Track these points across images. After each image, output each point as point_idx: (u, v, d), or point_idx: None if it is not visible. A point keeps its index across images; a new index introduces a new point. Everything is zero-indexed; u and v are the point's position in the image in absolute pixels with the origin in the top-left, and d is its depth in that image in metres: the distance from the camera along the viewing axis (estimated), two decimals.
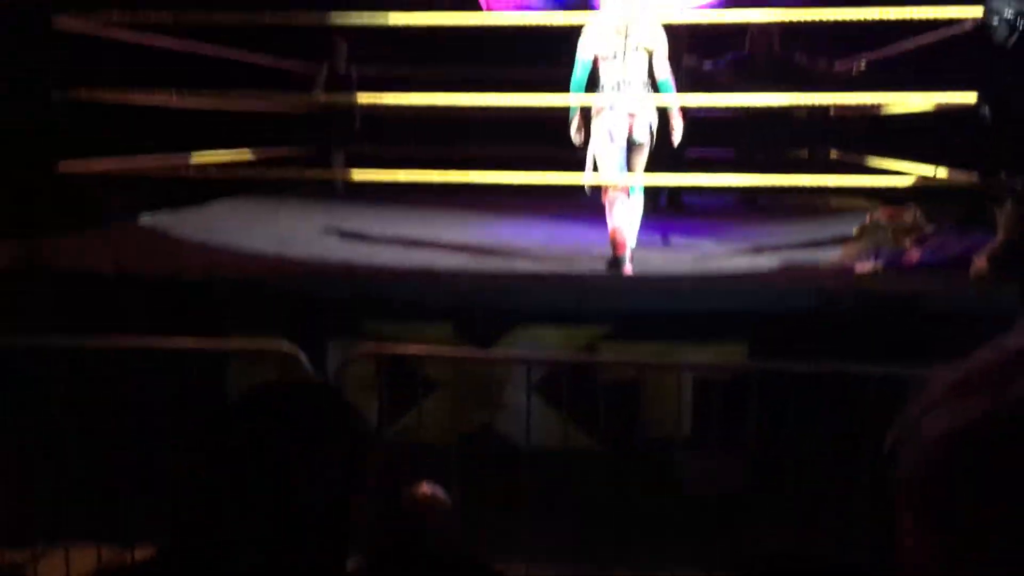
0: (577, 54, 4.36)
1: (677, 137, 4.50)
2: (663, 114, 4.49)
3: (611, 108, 4.34)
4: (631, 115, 4.32)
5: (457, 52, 7.90)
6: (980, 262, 3.98)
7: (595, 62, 4.37)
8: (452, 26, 5.37)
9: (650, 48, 4.33)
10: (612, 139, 4.33)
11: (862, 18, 4.74)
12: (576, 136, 4.44)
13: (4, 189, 4.89)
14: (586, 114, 4.46)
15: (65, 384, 3.30)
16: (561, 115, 4.60)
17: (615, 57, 4.29)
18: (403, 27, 5.22)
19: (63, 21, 5.03)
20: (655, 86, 4.42)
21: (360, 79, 7.90)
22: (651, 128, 4.41)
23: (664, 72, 4.38)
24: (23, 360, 3.22)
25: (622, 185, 4.39)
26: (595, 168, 4.46)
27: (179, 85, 5.93)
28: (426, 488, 2.25)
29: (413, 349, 3.52)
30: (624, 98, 4.34)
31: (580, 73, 4.36)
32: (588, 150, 4.45)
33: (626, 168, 4.42)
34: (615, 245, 4.40)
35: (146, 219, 6.03)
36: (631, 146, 4.38)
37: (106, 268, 4.19)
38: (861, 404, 3.19)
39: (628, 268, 4.37)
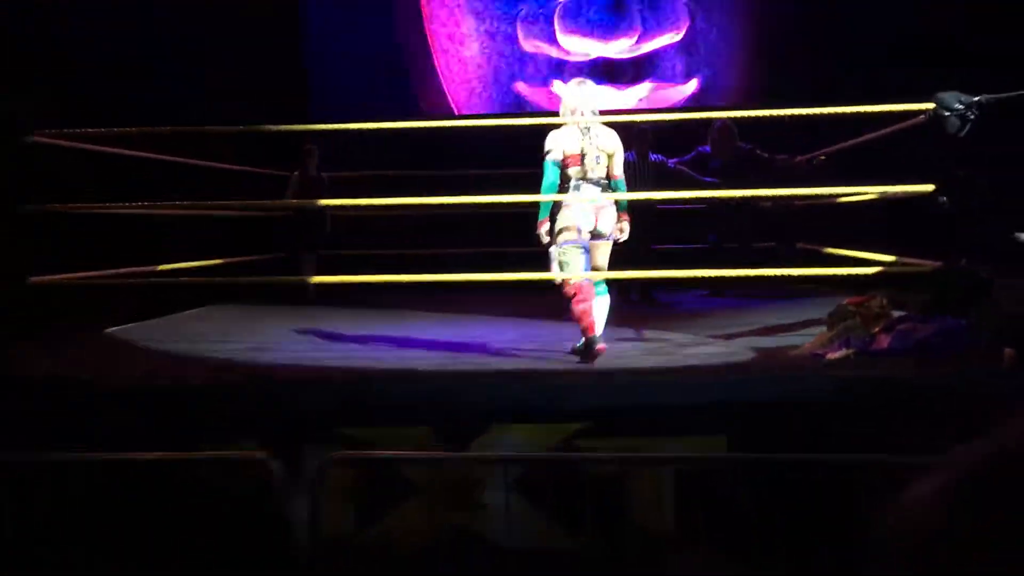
0: (548, 156, 4.56)
1: (624, 235, 4.73)
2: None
3: (579, 205, 4.53)
4: (597, 209, 4.55)
5: (432, 153, 8.10)
6: (1009, 352, 4.01)
7: (562, 163, 4.56)
8: (425, 128, 5.48)
9: (609, 151, 4.62)
10: (578, 234, 4.51)
11: (819, 112, 4.90)
12: (543, 234, 4.60)
13: None
14: (553, 212, 4.63)
15: (32, 497, 3.23)
16: (530, 212, 4.70)
17: (580, 158, 4.54)
18: (374, 131, 5.32)
19: (38, 135, 5.09)
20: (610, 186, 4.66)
21: (332, 183, 8.02)
22: (614, 224, 4.64)
23: (619, 172, 4.67)
24: None
25: (586, 281, 4.55)
26: (560, 266, 4.61)
27: (151, 194, 5.98)
28: None
29: (389, 453, 3.48)
30: (593, 193, 4.51)
31: (552, 175, 4.54)
32: (553, 247, 4.62)
33: (588, 264, 4.60)
34: (585, 328, 4.56)
35: (117, 329, 5.98)
36: (597, 239, 4.60)
37: (76, 378, 4.14)
38: (844, 492, 3.20)
39: (602, 346, 4.53)
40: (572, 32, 8.58)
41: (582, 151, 4.54)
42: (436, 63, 9.15)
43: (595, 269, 4.68)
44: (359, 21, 9.21)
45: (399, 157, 8.39)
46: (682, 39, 8.53)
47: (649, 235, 7.21)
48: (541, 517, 3.52)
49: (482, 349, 5.13)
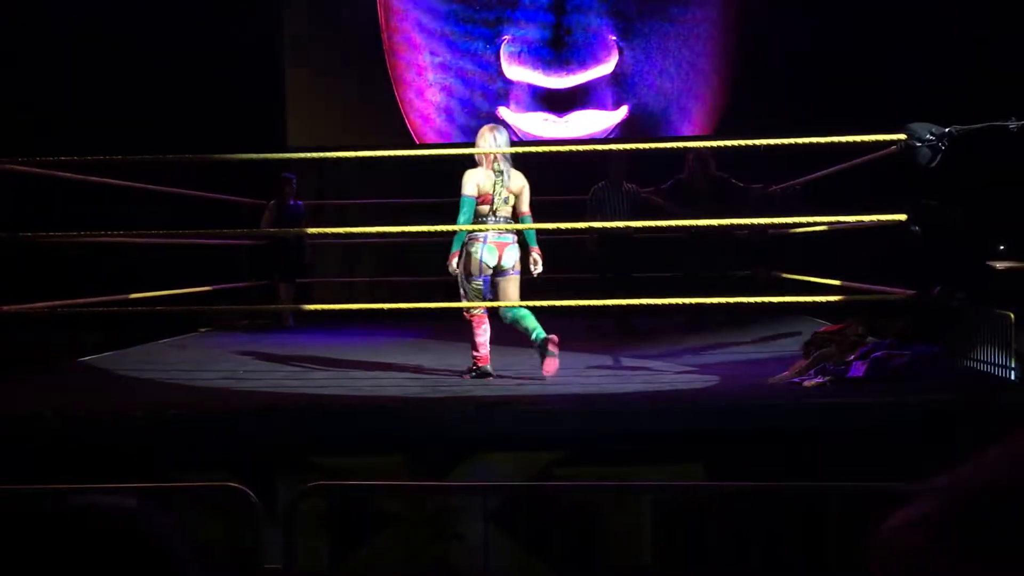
0: (466, 192, 4.92)
1: (539, 267, 5.08)
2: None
3: (484, 240, 4.92)
4: (502, 247, 4.96)
5: (408, 180, 8.16)
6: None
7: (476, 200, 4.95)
8: (387, 157, 5.50)
9: (516, 191, 5.00)
10: (481, 268, 4.94)
11: (792, 142, 4.95)
12: (452, 266, 4.97)
13: None
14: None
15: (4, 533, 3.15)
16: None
17: (491, 198, 4.94)
18: (345, 161, 5.33)
19: (8, 163, 5.04)
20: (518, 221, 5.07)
21: (308, 211, 8.03)
22: (517, 259, 5.02)
23: (526, 209, 5.07)
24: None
25: (484, 313, 5.01)
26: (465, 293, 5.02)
27: (125, 223, 5.94)
28: None
29: (363, 484, 3.44)
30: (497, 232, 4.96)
31: (467, 211, 4.91)
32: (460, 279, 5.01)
33: (489, 293, 5.01)
34: (477, 359, 4.99)
35: (91, 358, 5.91)
36: (501, 275, 5.00)
37: (48, 409, 4.07)
38: (821, 521, 3.19)
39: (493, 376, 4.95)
40: (516, 64, 9.50)
41: (493, 191, 4.92)
42: (397, 93, 9.62)
43: (506, 299, 5.01)
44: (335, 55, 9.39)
45: (377, 185, 8.43)
46: (612, 71, 9.44)
47: (626, 264, 7.26)
48: (518, 547, 3.48)
49: (459, 377, 5.10)
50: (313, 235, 8.04)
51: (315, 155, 5.33)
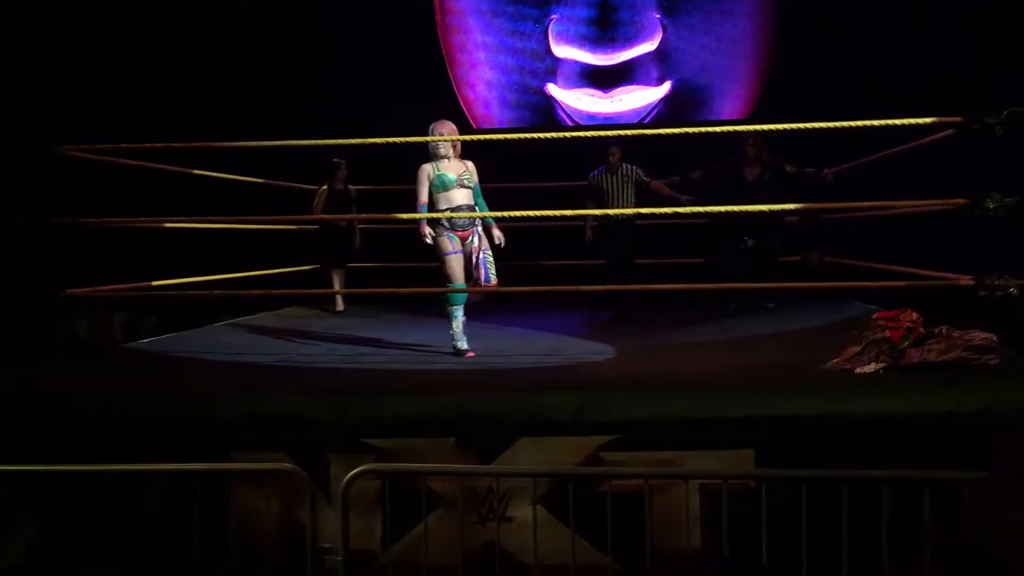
0: (417, 189, 5.39)
1: (502, 241, 5.48)
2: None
3: (449, 226, 5.34)
4: (463, 232, 5.38)
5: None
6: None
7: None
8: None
9: (469, 184, 5.42)
10: (451, 250, 5.35)
11: (849, 125, 4.87)
12: (426, 237, 5.37)
13: (10, 315, 4.94)
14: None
15: (74, 509, 3.27)
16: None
17: (448, 187, 5.39)
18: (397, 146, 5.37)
19: (71, 149, 5.17)
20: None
21: (359, 196, 8.08)
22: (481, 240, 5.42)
23: (479, 196, 5.50)
24: (34, 486, 3.20)
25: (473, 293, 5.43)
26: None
27: (179, 209, 6.05)
28: None
29: (415, 466, 3.49)
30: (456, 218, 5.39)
31: (424, 199, 5.40)
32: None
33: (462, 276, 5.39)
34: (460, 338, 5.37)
35: (146, 342, 6.06)
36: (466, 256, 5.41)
37: (110, 391, 4.19)
38: (874, 510, 3.17)
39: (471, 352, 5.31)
40: (563, 42, 9.81)
41: (445, 184, 5.37)
42: (450, 71, 9.92)
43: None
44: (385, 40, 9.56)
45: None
46: (656, 48, 9.69)
47: (630, 250, 7.19)
48: (566, 532, 3.50)
49: (510, 361, 5.13)
50: (364, 220, 8.09)
51: (366, 141, 5.35)
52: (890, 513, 3.14)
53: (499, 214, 5.44)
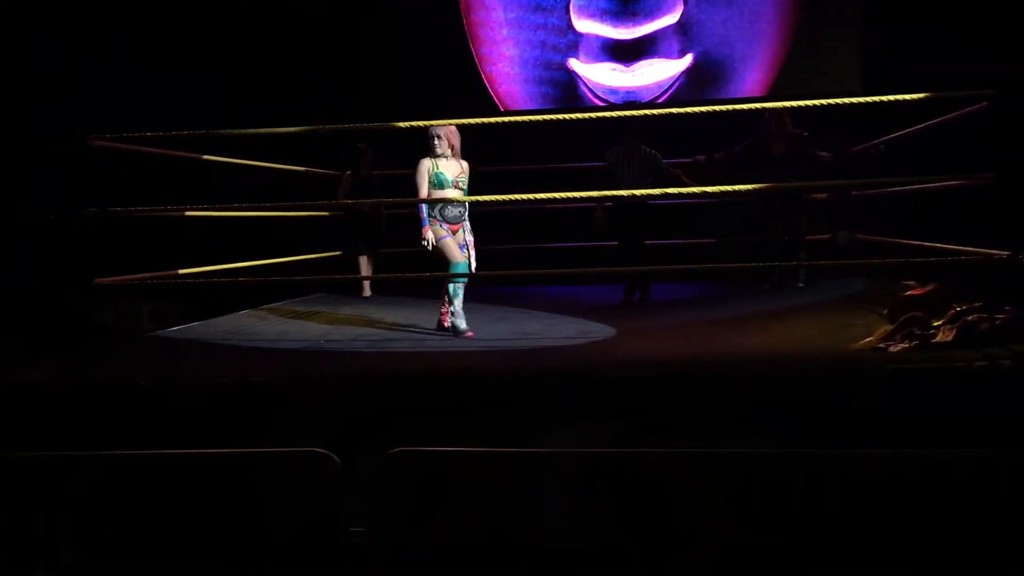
0: (418, 182, 5.66)
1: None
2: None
3: (441, 219, 5.64)
4: (455, 226, 5.68)
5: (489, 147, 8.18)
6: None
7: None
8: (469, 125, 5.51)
9: (463, 185, 5.70)
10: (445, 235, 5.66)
11: (874, 100, 4.80)
12: (427, 243, 5.64)
13: (42, 305, 4.99)
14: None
15: (105, 495, 3.30)
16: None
17: (444, 186, 5.65)
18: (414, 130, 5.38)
19: (95, 140, 5.20)
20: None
21: (383, 182, 8.07)
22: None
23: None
24: (66, 473, 3.23)
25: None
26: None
27: (203, 197, 6.07)
28: None
29: (444, 449, 3.48)
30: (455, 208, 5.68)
31: (424, 194, 5.66)
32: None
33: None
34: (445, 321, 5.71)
35: (176, 329, 6.10)
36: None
37: (141, 379, 4.23)
38: (905, 488, 3.12)
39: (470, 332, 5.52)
40: (585, 16, 9.79)
41: (442, 183, 5.65)
42: (473, 48, 9.90)
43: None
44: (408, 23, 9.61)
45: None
46: (677, 21, 9.65)
47: (643, 232, 7.11)
48: (594, 515, 3.49)
49: (536, 344, 5.11)
50: (391, 205, 8.07)
51: (391, 124, 5.34)
52: (920, 492, 3.10)
53: (495, 198, 5.51)
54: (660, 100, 9.65)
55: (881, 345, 4.38)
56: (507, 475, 3.72)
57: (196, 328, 6.16)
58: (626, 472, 3.47)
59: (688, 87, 9.66)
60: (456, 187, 5.68)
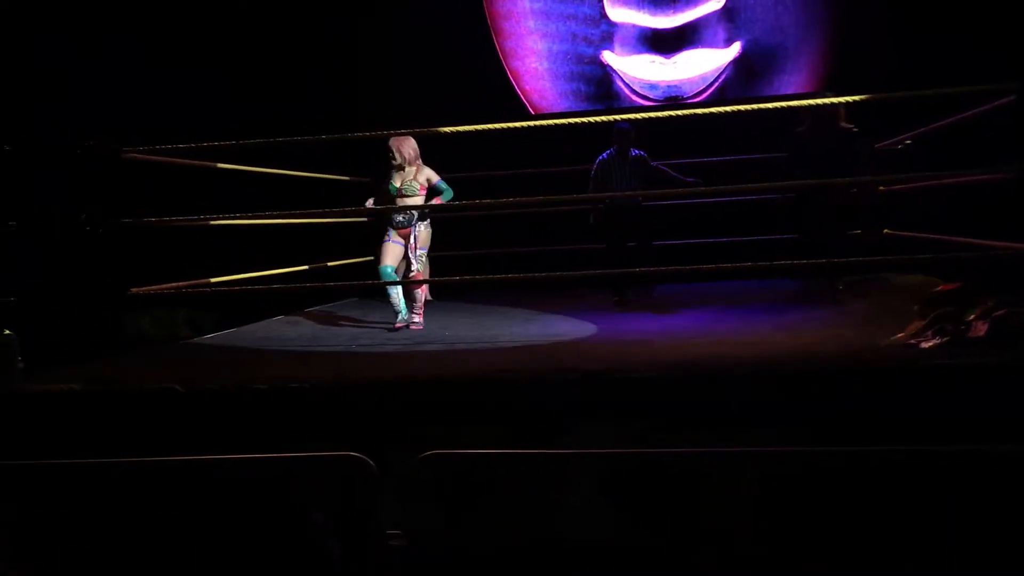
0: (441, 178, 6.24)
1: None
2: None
3: (393, 226, 6.23)
4: (404, 231, 6.24)
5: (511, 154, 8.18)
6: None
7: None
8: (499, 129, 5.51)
9: (408, 192, 6.18)
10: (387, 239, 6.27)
11: (900, 95, 4.78)
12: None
13: (77, 313, 5.07)
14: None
15: (138, 501, 3.35)
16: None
17: (393, 195, 6.23)
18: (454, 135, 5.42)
19: (130, 151, 5.28)
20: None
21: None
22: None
23: (447, 192, 6.27)
24: (99, 479, 3.29)
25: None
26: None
27: (240, 206, 6.14)
28: None
29: (478, 451, 3.51)
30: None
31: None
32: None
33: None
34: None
35: (211, 336, 6.19)
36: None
37: (176, 384, 4.30)
38: (939, 486, 3.11)
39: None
40: (619, 4, 9.05)
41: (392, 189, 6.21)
42: (497, 43, 9.41)
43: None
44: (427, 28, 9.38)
45: (486, 158, 8.45)
46: (723, 6, 8.87)
47: (639, 232, 7.07)
48: (622, 514, 3.51)
49: (563, 347, 5.13)
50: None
51: (435, 130, 5.39)
52: (955, 491, 3.08)
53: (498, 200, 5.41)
54: (705, 94, 8.98)
55: (912, 341, 4.36)
56: (539, 476, 3.74)
57: (230, 335, 6.24)
58: (656, 472, 3.48)
59: (736, 79, 8.92)
60: (403, 195, 6.17)
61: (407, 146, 6.17)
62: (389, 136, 6.09)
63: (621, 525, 3.47)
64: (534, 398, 4.01)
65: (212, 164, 5.97)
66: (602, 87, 9.22)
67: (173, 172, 5.91)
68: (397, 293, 6.26)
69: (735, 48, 8.87)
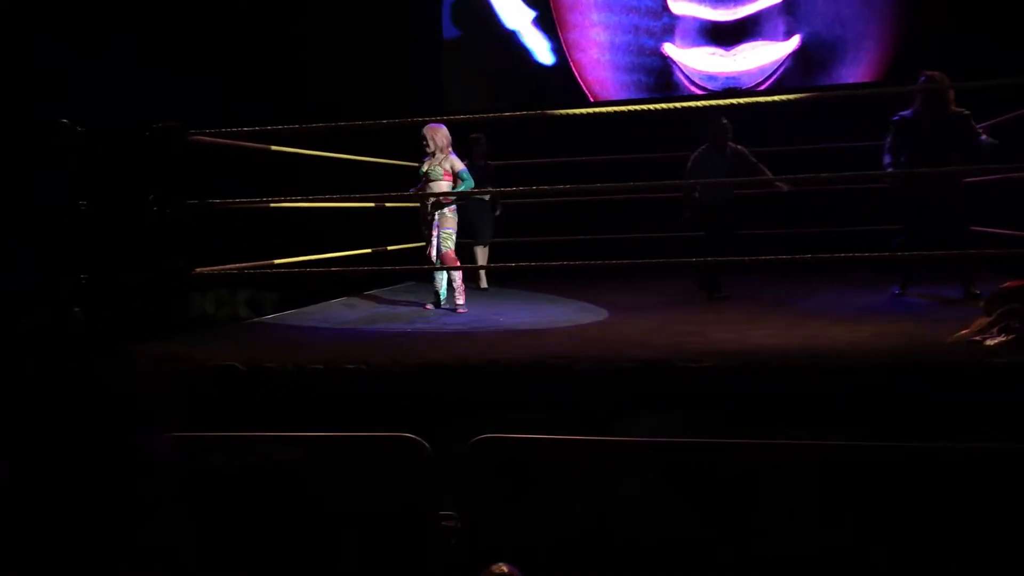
0: (463, 166, 6.53)
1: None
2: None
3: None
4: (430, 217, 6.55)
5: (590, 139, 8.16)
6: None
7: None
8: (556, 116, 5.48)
9: (434, 176, 6.50)
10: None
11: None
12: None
13: (146, 293, 5.19)
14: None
15: (193, 477, 3.43)
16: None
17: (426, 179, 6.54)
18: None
19: (197, 135, 5.39)
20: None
21: (498, 170, 8.07)
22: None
23: (468, 180, 6.58)
24: (166, 455, 3.37)
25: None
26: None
27: (304, 190, 6.22)
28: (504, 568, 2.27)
29: (530, 437, 3.53)
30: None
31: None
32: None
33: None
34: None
35: (271, 317, 6.30)
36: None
37: (237, 362, 4.39)
38: (1002, 486, 3.04)
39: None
40: None
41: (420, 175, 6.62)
42: (562, 35, 9.61)
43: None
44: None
45: (546, 145, 8.44)
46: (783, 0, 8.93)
47: (732, 225, 6.85)
48: (679, 505, 3.50)
49: (624, 335, 5.12)
50: (506, 195, 8.00)
51: (503, 115, 5.42)
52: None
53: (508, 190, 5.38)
54: (764, 86, 9.03)
55: (977, 338, 4.26)
56: (591, 463, 3.75)
57: (291, 316, 6.35)
58: (711, 462, 3.47)
59: (795, 72, 8.96)
60: (428, 180, 6.47)
61: (440, 134, 6.48)
62: (436, 122, 6.29)
63: (676, 515, 3.46)
64: (589, 385, 4.01)
65: (268, 147, 6.06)
66: (663, 78, 9.31)
67: (236, 156, 6.01)
68: (442, 278, 6.56)
69: (795, 41, 8.93)
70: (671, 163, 7.23)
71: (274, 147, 6.01)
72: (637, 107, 5.35)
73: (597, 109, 5.43)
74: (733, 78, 9.08)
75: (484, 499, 3.75)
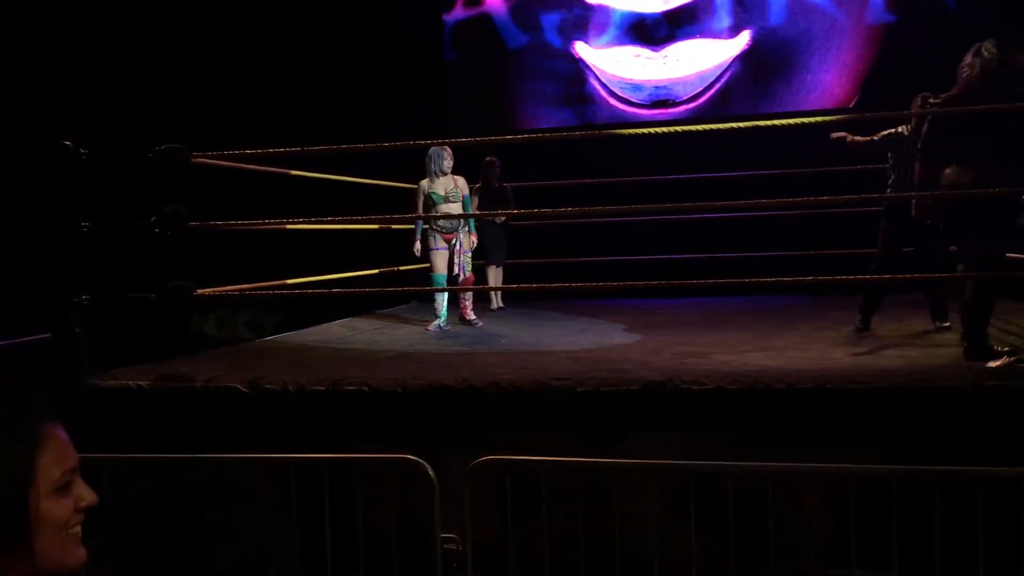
0: (415, 200, 6.58)
1: (474, 244, 6.73)
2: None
3: (438, 229, 6.52)
4: (448, 235, 6.54)
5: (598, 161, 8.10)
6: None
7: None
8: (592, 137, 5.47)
9: (454, 199, 6.50)
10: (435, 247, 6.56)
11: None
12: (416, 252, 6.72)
13: (147, 315, 5.18)
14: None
15: (194, 497, 3.41)
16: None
17: (437, 202, 6.51)
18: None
19: (198, 156, 5.39)
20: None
21: (514, 193, 8.03)
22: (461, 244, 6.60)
23: (468, 206, 6.71)
24: (164, 475, 3.35)
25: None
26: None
27: (307, 211, 6.22)
28: None
29: (535, 459, 3.51)
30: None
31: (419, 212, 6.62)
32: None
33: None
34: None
35: (271, 338, 6.29)
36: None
37: (240, 383, 4.37)
38: (1007, 507, 3.03)
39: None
40: None
41: (444, 197, 6.57)
42: None
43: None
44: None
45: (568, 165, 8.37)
46: None
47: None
48: (685, 527, 3.47)
49: (632, 358, 5.11)
50: (519, 217, 7.92)
51: (505, 138, 5.44)
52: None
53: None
54: (704, 98, 7.27)
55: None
56: (594, 485, 3.72)
57: (291, 337, 6.33)
58: (717, 485, 3.45)
59: (744, 78, 7.12)
60: (448, 200, 6.44)
61: (451, 156, 6.48)
62: (438, 144, 6.17)
63: (682, 537, 3.44)
64: (592, 407, 4.00)
65: (279, 171, 6.06)
66: (573, 87, 7.39)
67: (236, 176, 6.02)
68: (444, 300, 6.54)
69: (743, 39, 7.08)
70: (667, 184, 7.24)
71: (294, 171, 6.03)
72: (633, 131, 5.33)
73: (583, 133, 5.41)
74: (663, 88, 7.24)
75: (486, 520, 3.72)
